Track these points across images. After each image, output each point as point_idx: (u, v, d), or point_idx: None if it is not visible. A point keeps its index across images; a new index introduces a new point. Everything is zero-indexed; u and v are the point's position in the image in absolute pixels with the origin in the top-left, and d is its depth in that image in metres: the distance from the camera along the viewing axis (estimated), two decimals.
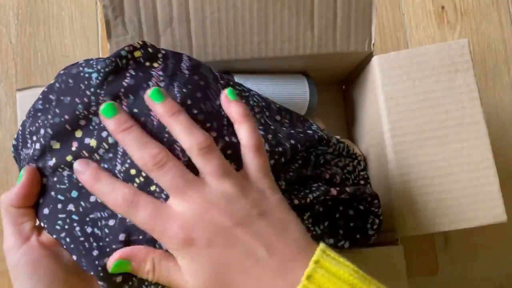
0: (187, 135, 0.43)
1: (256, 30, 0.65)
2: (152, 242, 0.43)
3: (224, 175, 0.42)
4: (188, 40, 0.64)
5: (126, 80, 0.47)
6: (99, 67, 0.47)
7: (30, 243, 0.45)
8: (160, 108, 0.44)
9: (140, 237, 0.43)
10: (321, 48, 0.67)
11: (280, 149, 0.51)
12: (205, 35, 0.64)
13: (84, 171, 0.43)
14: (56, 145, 0.46)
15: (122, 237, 0.43)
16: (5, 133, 0.87)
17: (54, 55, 0.90)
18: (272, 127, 0.55)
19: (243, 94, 0.56)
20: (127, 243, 0.43)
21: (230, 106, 0.47)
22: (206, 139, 0.43)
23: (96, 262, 0.43)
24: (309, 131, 0.58)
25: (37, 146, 0.46)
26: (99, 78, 0.46)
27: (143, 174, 0.43)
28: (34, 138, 0.47)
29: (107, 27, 0.62)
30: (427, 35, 0.96)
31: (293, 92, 0.72)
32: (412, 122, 0.65)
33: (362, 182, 0.65)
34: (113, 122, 0.43)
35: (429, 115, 0.65)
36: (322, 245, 0.42)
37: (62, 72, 0.50)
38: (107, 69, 0.47)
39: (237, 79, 0.69)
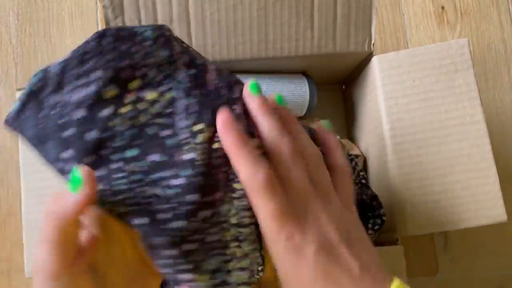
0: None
1: (256, 30, 0.65)
2: None
3: (330, 192, 0.43)
4: (188, 40, 0.64)
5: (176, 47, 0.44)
6: (148, 30, 0.43)
7: (75, 268, 0.38)
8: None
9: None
10: (321, 48, 0.67)
11: None
12: (205, 35, 0.64)
13: (230, 130, 0.40)
14: (112, 92, 0.40)
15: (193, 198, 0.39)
16: (5, 133, 0.87)
17: (54, 55, 0.90)
18: None
19: None
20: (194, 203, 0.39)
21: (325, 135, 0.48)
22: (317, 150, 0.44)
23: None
24: None
25: (90, 89, 0.40)
26: (152, 36, 0.43)
27: (211, 130, 0.41)
28: (83, 80, 0.40)
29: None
30: (427, 35, 0.96)
31: (292, 92, 0.72)
32: (412, 122, 0.65)
33: (363, 181, 0.65)
34: (257, 99, 0.43)
35: (429, 114, 0.65)
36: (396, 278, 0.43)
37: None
38: (157, 32, 0.43)
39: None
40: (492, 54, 0.96)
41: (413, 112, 0.65)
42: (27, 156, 0.63)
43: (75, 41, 0.91)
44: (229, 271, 0.41)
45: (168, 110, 0.41)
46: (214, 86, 0.43)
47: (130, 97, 0.41)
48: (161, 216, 0.39)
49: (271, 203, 0.39)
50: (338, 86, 0.88)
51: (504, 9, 0.97)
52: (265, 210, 0.39)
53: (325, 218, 0.41)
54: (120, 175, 0.40)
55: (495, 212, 0.62)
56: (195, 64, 0.44)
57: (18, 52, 0.90)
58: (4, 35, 0.91)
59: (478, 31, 0.97)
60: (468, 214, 0.63)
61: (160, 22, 0.62)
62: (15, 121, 0.41)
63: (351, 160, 0.69)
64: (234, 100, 0.43)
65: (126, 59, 0.41)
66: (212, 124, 0.41)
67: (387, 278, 0.42)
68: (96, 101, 0.40)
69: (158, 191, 0.40)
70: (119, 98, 0.40)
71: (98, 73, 0.40)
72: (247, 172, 0.39)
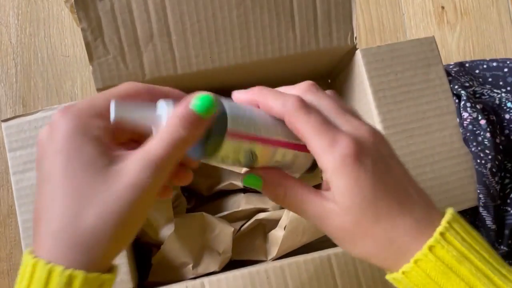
0: None
1: (238, 36, 0.64)
2: None
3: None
4: (171, 53, 0.64)
5: None
6: None
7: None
8: None
9: None
10: (304, 47, 0.67)
11: None
12: (187, 46, 0.64)
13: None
14: None
15: None
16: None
17: (54, 55, 0.92)
18: None
19: None
20: None
21: None
22: None
23: None
24: None
25: None
26: None
27: None
28: None
29: (88, 50, 0.61)
30: (427, 35, 0.95)
31: None
32: (400, 113, 0.66)
33: None
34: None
35: (413, 106, 0.67)
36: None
37: None
38: None
39: None
40: (492, 54, 0.96)
41: (400, 104, 0.67)
42: (16, 156, 0.64)
43: (75, 41, 0.92)
44: None
45: None
46: None
47: None
48: None
49: (311, 118, 0.39)
50: (323, 82, 0.87)
51: (504, 9, 0.97)
52: (307, 127, 0.39)
53: (365, 129, 0.40)
54: None
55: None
56: None
57: (18, 52, 0.92)
58: (4, 35, 0.93)
59: (478, 31, 0.97)
60: (459, 197, 0.66)
61: (140, 39, 0.63)
62: None
63: None
64: None
65: None
66: None
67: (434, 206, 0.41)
68: None
69: None
70: None
71: None
72: (278, 103, 0.40)
